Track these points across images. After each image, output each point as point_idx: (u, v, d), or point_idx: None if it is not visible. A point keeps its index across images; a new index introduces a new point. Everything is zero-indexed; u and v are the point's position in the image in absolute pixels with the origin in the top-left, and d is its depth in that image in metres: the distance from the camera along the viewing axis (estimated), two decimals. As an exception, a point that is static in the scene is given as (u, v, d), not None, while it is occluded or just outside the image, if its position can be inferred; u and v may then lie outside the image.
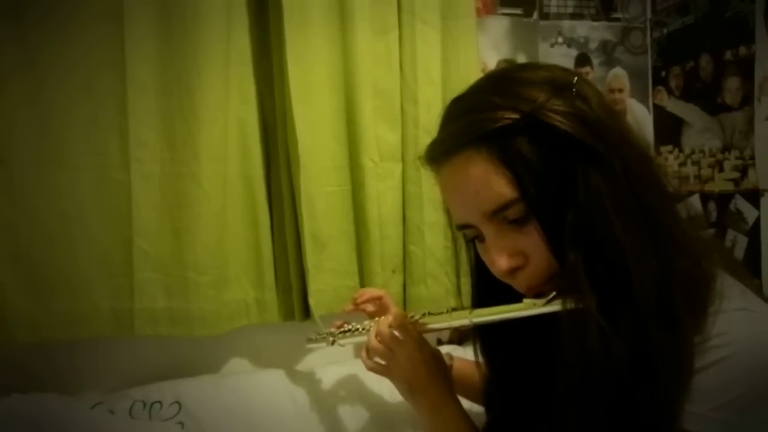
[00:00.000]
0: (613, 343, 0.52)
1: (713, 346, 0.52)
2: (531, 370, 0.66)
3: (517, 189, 0.54)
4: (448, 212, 0.68)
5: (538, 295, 0.58)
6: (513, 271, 0.58)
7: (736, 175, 1.23)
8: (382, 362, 0.79)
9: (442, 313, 0.73)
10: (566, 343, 0.54)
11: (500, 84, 0.59)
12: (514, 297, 0.61)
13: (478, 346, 0.73)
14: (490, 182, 0.55)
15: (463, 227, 0.62)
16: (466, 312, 0.68)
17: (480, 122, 0.56)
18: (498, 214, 0.56)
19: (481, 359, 0.73)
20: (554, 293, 0.56)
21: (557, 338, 0.56)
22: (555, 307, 0.56)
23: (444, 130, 0.61)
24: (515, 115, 0.54)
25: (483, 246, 0.61)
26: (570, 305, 0.54)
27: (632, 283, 0.52)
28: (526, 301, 0.59)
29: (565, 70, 0.60)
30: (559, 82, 0.56)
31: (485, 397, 0.76)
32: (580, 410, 0.54)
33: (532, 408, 0.64)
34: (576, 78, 0.57)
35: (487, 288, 0.66)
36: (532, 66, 0.63)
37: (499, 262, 0.58)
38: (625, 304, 0.52)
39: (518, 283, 0.59)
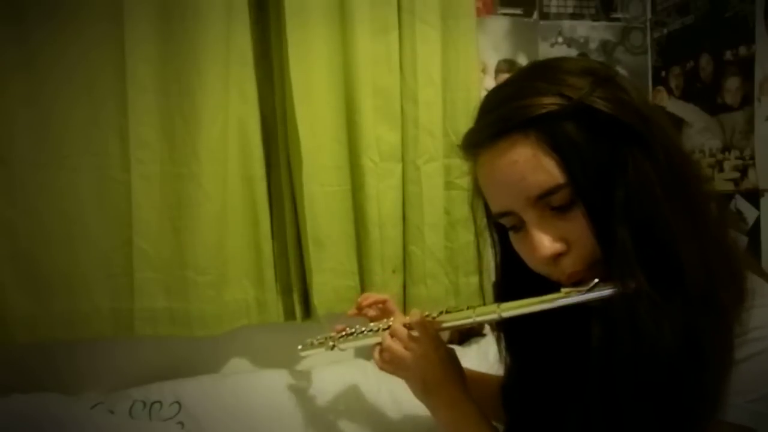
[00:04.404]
0: (665, 319, 0.53)
1: (751, 340, 0.54)
2: (557, 361, 0.66)
3: (564, 174, 0.55)
4: (472, 206, 0.68)
5: (577, 283, 0.58)
6: (555, 258, 0.58)
7: (736, 175, 1.23)
8: (396, 361, 0.77)
9: (461, 309, 0.71)
10: (616, 324, 0.54)
11: (542, 72, 0.59)
12: (540, 291, 0.61)
13: (502, 341, 0.73)
14: (538, 166, 0.55)
15: (501, 215, 0.62)
16: (494, 306, 0.66)
17: (527, 107, 0.56)
18: (543, 199, 0.56)
19: (504, 353, 0.73)
20: (596, 280, 0.56)
21: (586, 327, 0.56)
22: (601, 292, 0.56)
23: (485, 117, 0.61)
24: (562, 101, 0.55)
25: (520, 235, 0.61)
26: (619, 288, 0.54)
27: (683, 265, 0.53)
28: (564, 289, 0.59)
29: (601, 63, 0.62)
30: (601, 74, 0.57)
31: (505, 395, 0.75)
32: (621, 395, 0.54)
33: (559, 401, 0.64)
34: (615, 70, 0.59)
35: (513, 282, 0.66)
36: (569, 58, 0.64)
37: (543, 247, 0.57)
38: (675, 285, 0.53)
39: (559, 271, 0.59)
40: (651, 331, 0.53)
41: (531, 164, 0.56)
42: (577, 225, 0.56)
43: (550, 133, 0.55)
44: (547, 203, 0.57)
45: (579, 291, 0.57)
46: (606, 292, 0.56)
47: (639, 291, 0.53)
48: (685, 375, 0.53)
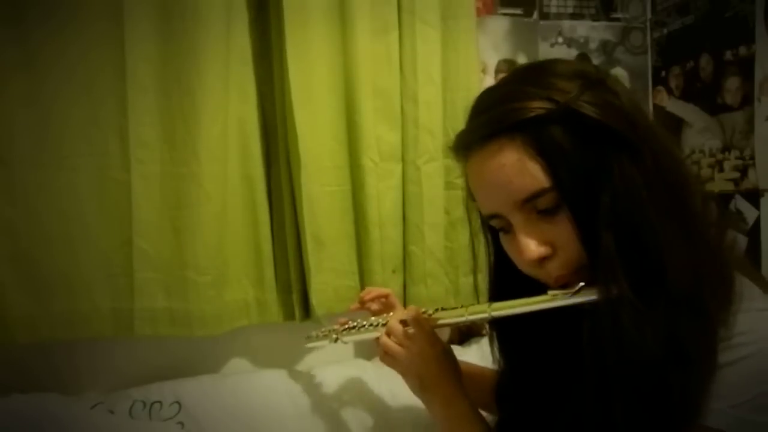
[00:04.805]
0: (647, 325, 0.53)
1: (736, 344, 0.53)
2: (549, 362, 0.66)
3: (550, 177, 0.55)
4: (467, 207, 0.69)
5: (563, 286, 0.58)
6: (541, 261, 0.58)
7: (736, 175, 1.23)
8: (392, 357, 0.78)
9: (456, 308, 0.73)
10: (600, 328, 0.55)
11: (533, 75, 0.60)
12: (532, 292, 0.61)
13: (495, 340, 0.74)
14: (523, 170, 0.56)
15: (490, 217, 0.62)
16: (485, 306, 0.67)
17: (514, 111, 0.56)
18: (529, 202, 0.57)
19: (497, 354, 0.74)
20: (582, 284, 0.57)
21: (578, 329, 0.57)
22: (585, 297, 0.56)
23: (476, 120, 0.62)
24: (550, 105, 0.55)
25: (509, 237, 0.61)
26: (603, 293, 0.54)
27: (667, 270, 0.53)
28: (551, 292, 0.59)
29: (594, 66, 0.61)
30: (591, 77, 0.57)
31: (498, 393, 0.76)
32: (608, 398, 0.54)
33: (551, 401, 0.64)
34: (607, 73, 0.59)
35: (506, 282, 0.66)
36: (562, 60, 0.64)
37: (528, 251, 0.58)
38: (659, 290, 0.53)
39: (546, 274, 0.59)
40: (633, 337, 0.53)
41: (517, 168, 0.56)
42: (563, 229, 0.56)
43: (536, 137, 0.55)
44: (533, 207, 0.57)
45: (565, 294, 0.58)
46: (590, 296, 0.56)
47: (621, 297, 0.53)
48: (668, 380, 0.53)
